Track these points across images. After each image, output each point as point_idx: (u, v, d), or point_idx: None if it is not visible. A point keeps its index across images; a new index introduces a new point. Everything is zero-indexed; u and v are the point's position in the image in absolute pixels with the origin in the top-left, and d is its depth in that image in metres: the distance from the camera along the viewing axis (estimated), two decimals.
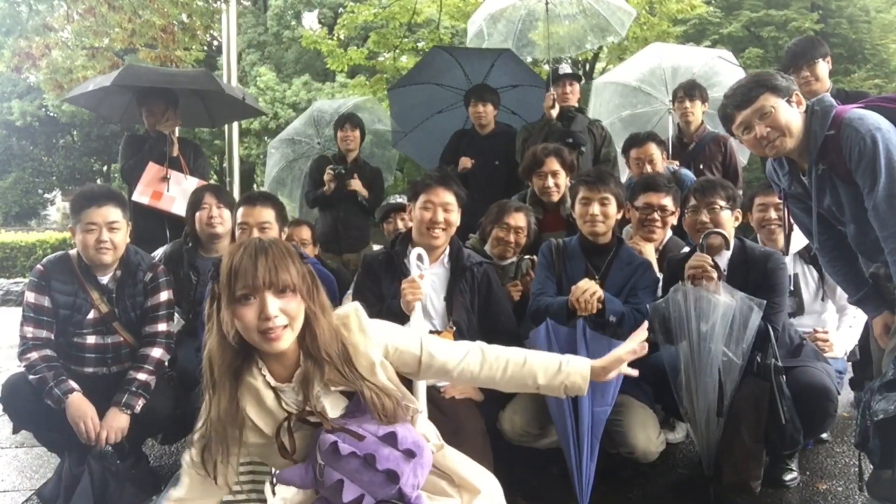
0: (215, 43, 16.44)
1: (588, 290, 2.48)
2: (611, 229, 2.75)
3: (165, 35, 7.64)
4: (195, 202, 3.15)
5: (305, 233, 3.77)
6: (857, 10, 16.26)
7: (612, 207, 2.71)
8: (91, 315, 2.54)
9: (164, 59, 7.76)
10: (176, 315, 2.84)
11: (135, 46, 8.04)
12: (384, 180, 5.56)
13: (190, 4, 7.71)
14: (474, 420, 2.38)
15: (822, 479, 2.67)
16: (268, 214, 2.79)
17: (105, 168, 23.86)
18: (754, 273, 2.58)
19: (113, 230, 2.49)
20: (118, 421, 2.39)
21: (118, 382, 2.48)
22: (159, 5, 7.31)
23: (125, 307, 2.58)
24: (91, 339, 2.55)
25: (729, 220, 2.73)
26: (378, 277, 2.72)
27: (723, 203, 2.72)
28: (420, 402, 2.20)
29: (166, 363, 2.62)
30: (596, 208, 2.68)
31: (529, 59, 6.08)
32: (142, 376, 2.48)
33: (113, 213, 2.50)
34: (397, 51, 11.99)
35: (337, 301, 2.86)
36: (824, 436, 2.99)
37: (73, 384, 2.40)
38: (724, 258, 2.68)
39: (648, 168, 3.66)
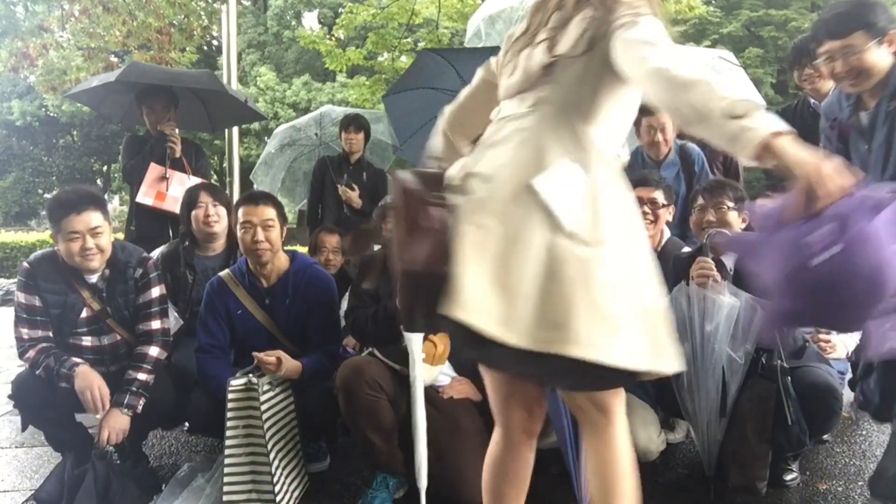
0: (215, 43, 16.47)
1: None
2: None
3: (161, 36, 7.60)
4: (191, 201, 3.11)
5: (336, 240, 3.82)
6: None
7: None
8: (84, 314, 2.49)
9: (158, 60, 7.68)
10: (175, 315, 2.83)
11: (129, 48, 8.00)
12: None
13: (187, 5, 7.67)
14: (472, 420, 2.37)
15: (822, 479, 2.67)
16: (270, 213, 2.77)
17: (105, 168, 23.84)
18: None
19: (96, 235, 2.41)
20: (119, 422, 2.37)
21: (118, 381, 2.46)
22: (155, 6, 7.28)
23: (118, 305, 2.53)
24: (87, 341, 2.52)
25: (736, 221, 2.70)
26: (375, 278, 2.71)
27: (730, 203, 2.70)
28: (417, 404, 2.20)
29: (163, 360, 2.59)
30: None
31: None
32: (141, 376, 2.46)
33: (94, 219, 2.40)
34: (396, 51, 11.99)
35: (337, 303, 2.86)
36: (824, 436, 2.98)
37: (76, 359, 2.39)
38: (730, 258, 2.66)
39: (660, 136, 3.59)
